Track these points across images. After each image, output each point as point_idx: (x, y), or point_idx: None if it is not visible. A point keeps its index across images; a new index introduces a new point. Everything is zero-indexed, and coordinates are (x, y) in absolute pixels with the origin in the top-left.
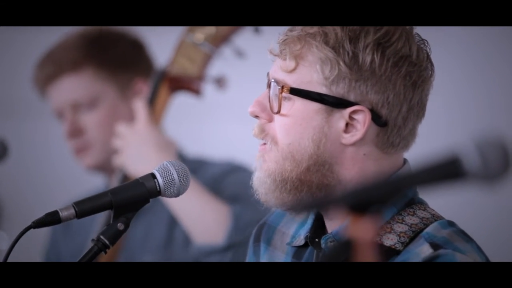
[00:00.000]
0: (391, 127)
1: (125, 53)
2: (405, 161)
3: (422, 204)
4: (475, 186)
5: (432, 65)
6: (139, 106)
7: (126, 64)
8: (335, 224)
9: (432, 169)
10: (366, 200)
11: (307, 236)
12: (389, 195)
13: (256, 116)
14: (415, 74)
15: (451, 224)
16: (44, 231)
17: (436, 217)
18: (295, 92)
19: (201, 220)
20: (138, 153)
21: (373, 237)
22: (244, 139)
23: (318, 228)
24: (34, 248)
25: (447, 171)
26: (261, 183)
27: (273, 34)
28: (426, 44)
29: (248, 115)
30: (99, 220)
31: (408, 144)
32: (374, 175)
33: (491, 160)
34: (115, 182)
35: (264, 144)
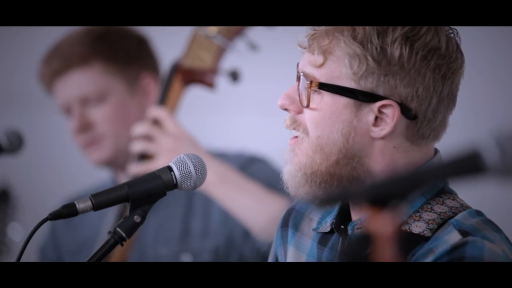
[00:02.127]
0: (421, 119)
1: (131, 48)
2: (436, 151)
3: (451, 194)
4: (496, 181)
5: (462, 55)
6: (159, 111)
7: (133, 59)
8: (361, 213)
9: (453, 164)
10: (385, 194)
11: (333, 222)
12: (409, 188)
13: (286, 109)
14: (444, 66)
15: (479, 213)
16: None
17: (465, 207)
18: (324, 86)
19: (262, 215)
20: (177, 153)
21: (392, 231)
22: (257, 132)
23: (344, 215)
24: (30, 243)
25: (468, 165)
26: (292, 177)
27: (287, 28)
28: (456, 34)
29: (261, 108)
30: (102, 215)
31: (438, 135)
32: (404, 166)
33: (510, 154)
34: (125, 176)
35: (295, 137)
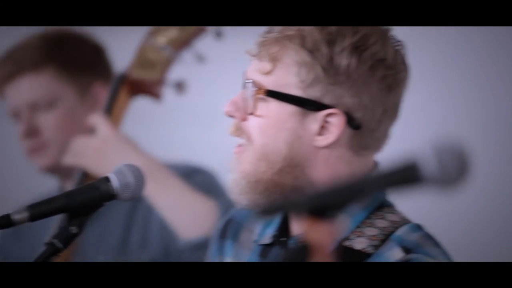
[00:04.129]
0: (365, 130)
1: (86, 57)
2: (376, 163)
3: (391, 207)
4: (433, 191)
5: (407, 67)
6: (93, 116)
7: (86, 68)
8: (301, 224)
9: (391, 174)
10: (324, 205)
11: (274, 235)
12: (347, 199)
13: (231, 116)
14: (390, 77)
15: (419, 227)
16: None
17: (405, 220)
18: (270, 94)
19: (188, 213)
20: (105, 155)
21: (331, 242)
22: (203, 143)
23: (285, 227)
24: None
25: (406, 176)
26: (236, 185)
27: (235, 38)
28: (402, 46)
29: (207, 119)
30: (51, 223)
31: (380, 146)
32: (346, 177)
33: (448, 165)
34: (71, 184)
35: (240, 146)
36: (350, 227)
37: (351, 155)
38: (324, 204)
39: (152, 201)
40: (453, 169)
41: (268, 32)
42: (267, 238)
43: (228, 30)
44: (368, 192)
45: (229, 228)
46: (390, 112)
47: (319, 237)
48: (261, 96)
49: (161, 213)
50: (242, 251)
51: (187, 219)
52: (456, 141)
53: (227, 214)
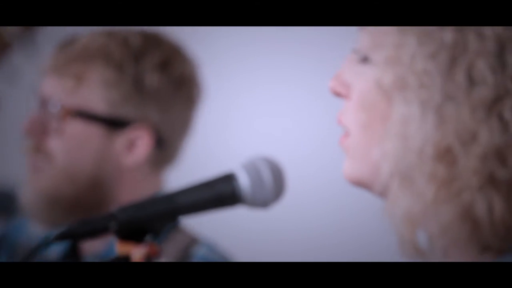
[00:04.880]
0: (169, 146)
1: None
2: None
3: (182, 227)
4: (247, 208)
5: (202, 85)
6: None
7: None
8: (97, 243)
9: (199, 188)
10: (133, 228)
11: (64, 252)
12: (160, 220)
13: (32, 136)
14: (194, 94)
15: (215, 246)
16: None
17: (201, 239)
18: (74, 113)
19: None
20: None
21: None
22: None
23: (75, 247)
24: None
25: (215, 192)
26: (33, 202)
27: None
28: (198, 65)
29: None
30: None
31: (175, 161)
32: (152, 194)
33: (261, 183)
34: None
35: (37, 163)
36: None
37: (154, 171)
38: (134, 228)
39: None
40: (267, 187)
41: (70, 44)
42: (54, 255)
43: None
44: (184, 212)
45: (3, 245)
46: (189, 129)
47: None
48: (64, 115)
49: None
50: None
51: None
52: (271, 159)
53: None
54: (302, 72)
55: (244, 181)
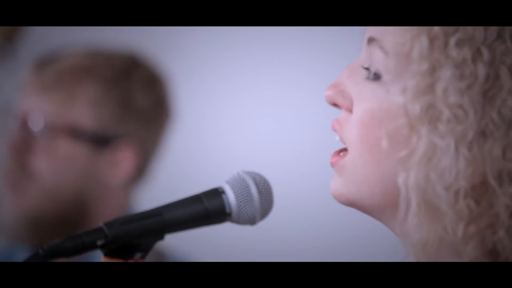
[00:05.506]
0: (148, 164)
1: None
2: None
3: None
4: (236, 224)
5: (174, 105)
6: None
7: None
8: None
9: (187, 203)
10: (122, 245)
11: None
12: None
13: (16, 153)
14: (171, 113)
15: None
16: None
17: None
18: (61, 131)
19: None
20: None
21: None
22: None
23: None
24: None
25: (204, 207)
26: (13, 222)
27: None
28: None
29: None
30: None
31: (147, 177)
32: (122, 208)
33: (250, 198)
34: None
35: (19, 182)
36: None
37: (130, 186)
38: (123, 244)
39: None
40: (255, 203)
41: (51, 64)
42: None
43: None
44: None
45: None
46: (163, 146)
47: None
48: (51, 133)
49: None
50: None
51: None
52: (258, 174)
53: None
54: (300, 73)
55: (231, 197)
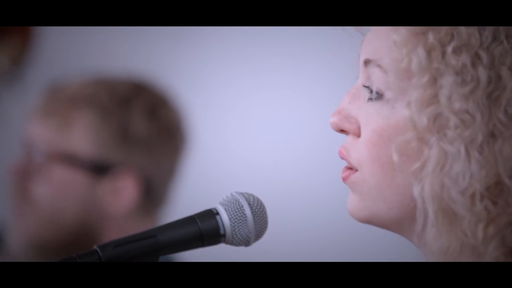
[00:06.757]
0: (157, 192)
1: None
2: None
3: None
4: (231, 245)
5: (188, 133)
6: None
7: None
8: None
9: (181, 225)
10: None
11: None
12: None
13: (19, 179)
14: (179, 142)
15: None
16: None
17: None
18: (59, 157)
19: None
20: None
21: None
22: None
23: None
24: None
25: (198, 228)
26: (17, 245)
27: None
28: (184, 113)
29: None
30: None
31: (165, 204)
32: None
33: (244, 220)
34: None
35: (22, 208)
36: None
37: (145, 216)
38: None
39: None
40: (248, 225)
41: (58, 91)
42: None
43: None
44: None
45: None
46: (176, 174)
47: None
48: (49, 160)
49: None
50: None
51: None
52: (253, 196)
53: None
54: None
55: (225, 217)
